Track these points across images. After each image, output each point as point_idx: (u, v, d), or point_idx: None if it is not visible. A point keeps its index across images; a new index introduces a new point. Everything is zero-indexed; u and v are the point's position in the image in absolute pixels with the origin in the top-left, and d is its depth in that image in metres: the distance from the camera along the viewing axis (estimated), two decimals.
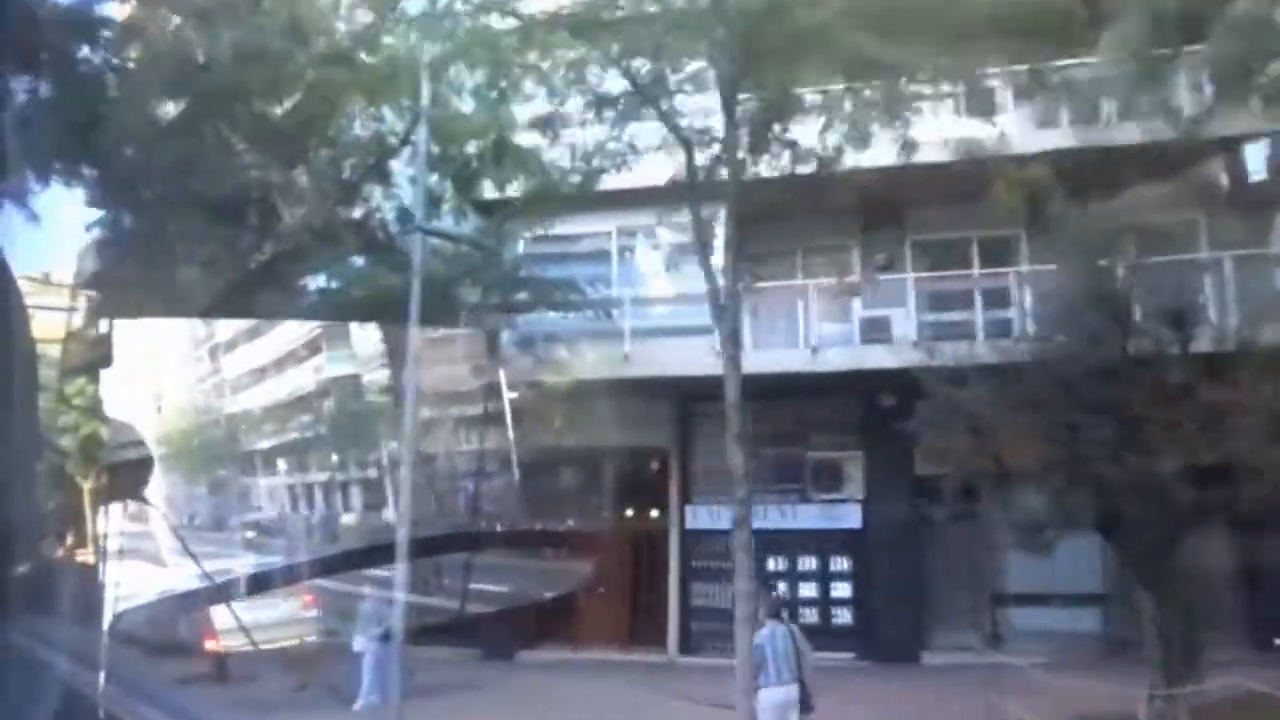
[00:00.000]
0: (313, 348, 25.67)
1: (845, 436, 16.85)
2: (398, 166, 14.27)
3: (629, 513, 17.83)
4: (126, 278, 13.64)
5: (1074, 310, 10.26)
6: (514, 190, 13.87)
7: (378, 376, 23.09)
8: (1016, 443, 11.01)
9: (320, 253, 13.13)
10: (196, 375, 28.77)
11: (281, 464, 25.84)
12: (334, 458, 24.59)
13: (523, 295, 15.00)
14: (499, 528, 19.15)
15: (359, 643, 12.94)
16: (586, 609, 17.55)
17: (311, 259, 13.33)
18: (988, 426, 11.13)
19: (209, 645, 15.68)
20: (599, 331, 15.48)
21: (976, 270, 16.42)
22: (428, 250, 11.30)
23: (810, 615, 16.45)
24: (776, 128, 9.88)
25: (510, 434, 17.79)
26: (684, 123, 10.23)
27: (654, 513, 17.33)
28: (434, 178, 14.36)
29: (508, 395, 16.91)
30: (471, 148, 13.28)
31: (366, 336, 22.53)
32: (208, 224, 11.48)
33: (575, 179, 11.24)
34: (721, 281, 9.92)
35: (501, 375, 16.52)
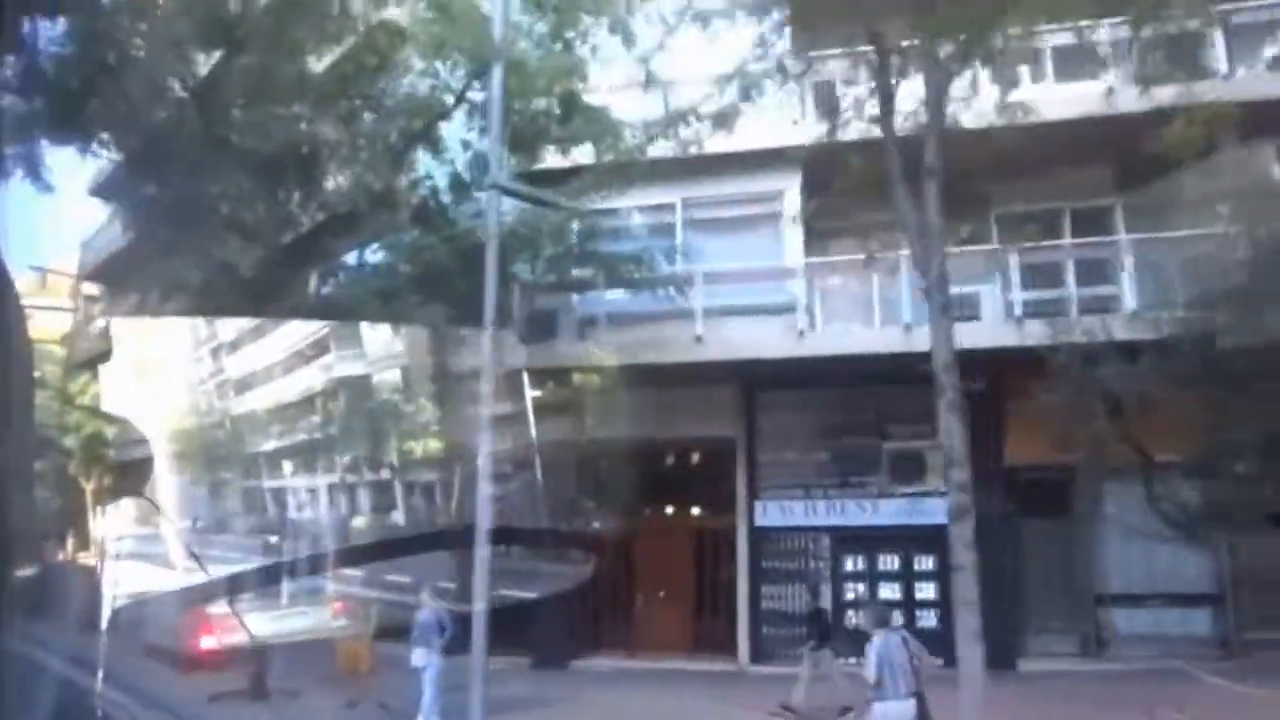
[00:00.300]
0: (321, 346, 24.51)
1: (926, 424, 15.48)
2: (449, 129, 12.95)
3: (691, 509, 16.52)
4: (150, 256, 12.32)
5: (1252, 275, 8.97)
6: (583, 156, 12.60)
7: (389, 375, 21.91)
8: (1177, 425, 9.80)
9: (369, 222, 11.80)
10: (202, 374, 27.58)
11: (291, 466, 24.66)
12: (344, 459, 23.42)
13: (586, 271, 13.65)
14: (535, 525, 17.89)
15: (418, 656, 11.57)
16: (645, 613, 16.23)
17: (359, 229, 12.00)
18: (1138, 407, 9.90)
19: (205, 642, 14.66)
20: (665, 312, 14.14)
21: (1070, 240, 15.12)
22: (502, 212, 9.97)
23: (893, 619, 15.17)
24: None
25: (532, 427, 16.54)
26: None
27: (719, 509, 15.99)
28: (488, 141, 13.08)
29: (561, 382, 15.61)
30: (537, 104, 11.95)
31: (377, 334, 21.30)
32: (253, 184, 10.13)
33: (706, 114, 9.83)
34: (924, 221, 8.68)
35: (524, 364, 15.21)
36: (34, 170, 12.56)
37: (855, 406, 15.63)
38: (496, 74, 9.65)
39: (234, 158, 10.39)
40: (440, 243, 12.28)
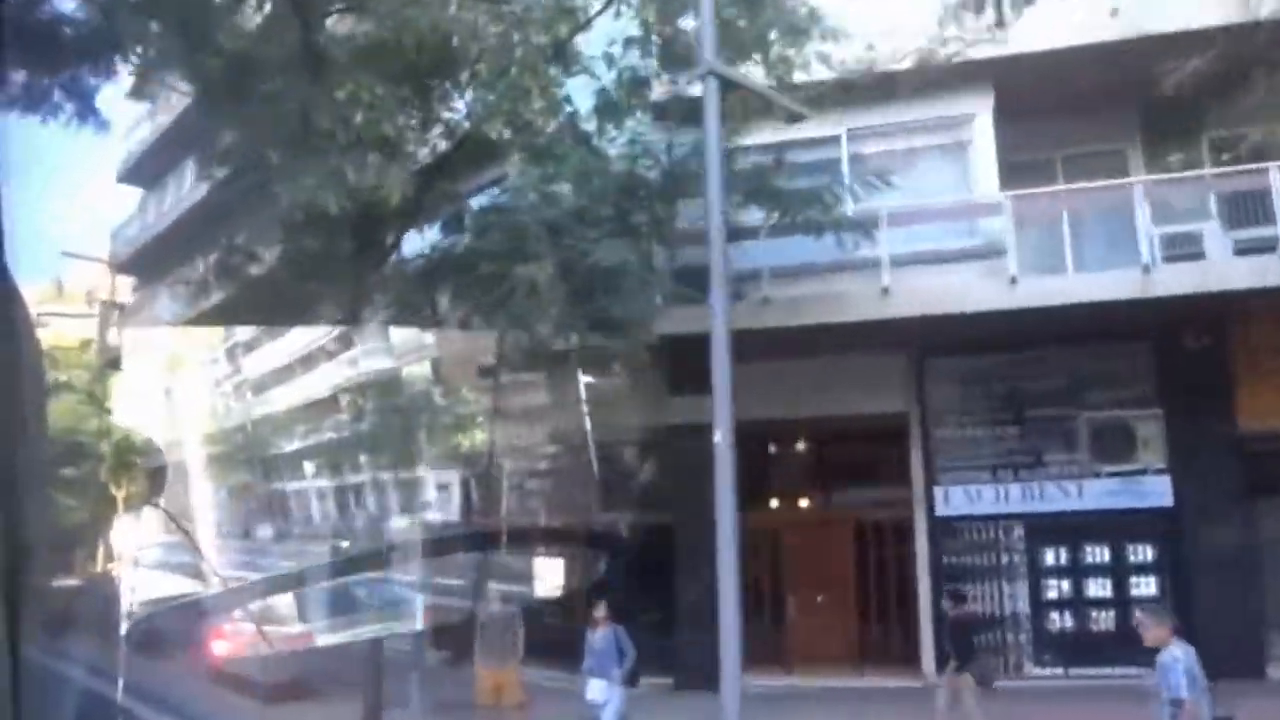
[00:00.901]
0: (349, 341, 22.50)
1: (1134, 390, 13.16)
2: (589, 43, 10.62)
3: (855, 498, 14.17)
4: (241, 203, 10.07)
5: None
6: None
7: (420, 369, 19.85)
8: None
9: (509, 146, 9.49)
10: (227, 376, 25.69)
11: (317, 468, 22.74)
12: (383, 459, 21.39)
13: (751, 213, 11.32)
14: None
15: (595, 689, 9.22)
16: (801, 622, 13.88)
17: (499, 154, 9.71)
18: None
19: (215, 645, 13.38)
20: (843, 262, 11.80)
21: None
22: (719, 107, 7.63)
23: (1104, 620, 12.88)
24: None
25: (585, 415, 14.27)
26: None
27: (889, 496, 13.64)
28: (636, 53, 10.75)
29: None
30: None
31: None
32: (388, 88, 7.79)
33: None
34: None
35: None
36: (86, 105, 10.33)
37: (1045, 370, 13.30)
38: None
39: (358, 59, 8.08)
40: (587, 177, 9.96)
